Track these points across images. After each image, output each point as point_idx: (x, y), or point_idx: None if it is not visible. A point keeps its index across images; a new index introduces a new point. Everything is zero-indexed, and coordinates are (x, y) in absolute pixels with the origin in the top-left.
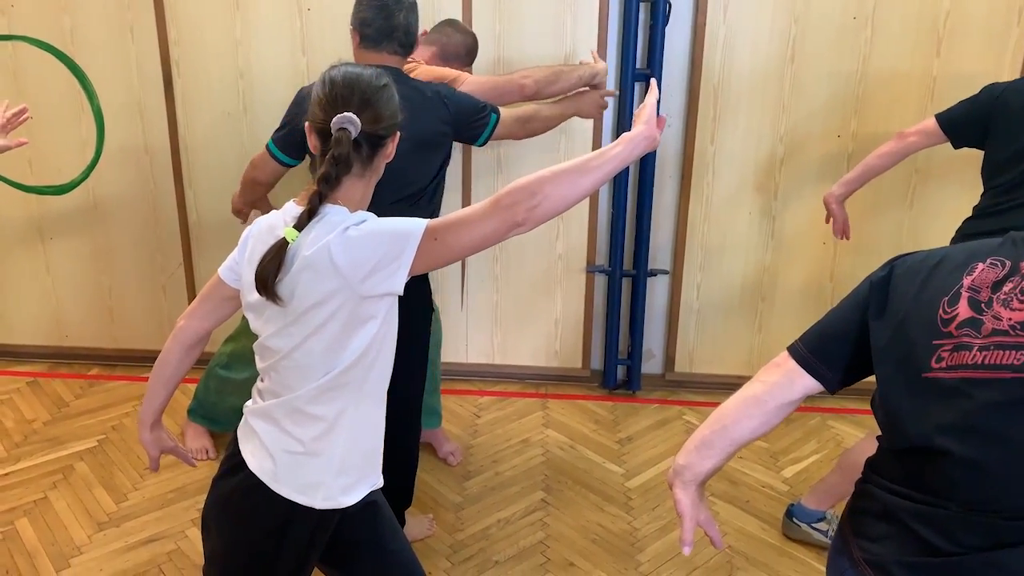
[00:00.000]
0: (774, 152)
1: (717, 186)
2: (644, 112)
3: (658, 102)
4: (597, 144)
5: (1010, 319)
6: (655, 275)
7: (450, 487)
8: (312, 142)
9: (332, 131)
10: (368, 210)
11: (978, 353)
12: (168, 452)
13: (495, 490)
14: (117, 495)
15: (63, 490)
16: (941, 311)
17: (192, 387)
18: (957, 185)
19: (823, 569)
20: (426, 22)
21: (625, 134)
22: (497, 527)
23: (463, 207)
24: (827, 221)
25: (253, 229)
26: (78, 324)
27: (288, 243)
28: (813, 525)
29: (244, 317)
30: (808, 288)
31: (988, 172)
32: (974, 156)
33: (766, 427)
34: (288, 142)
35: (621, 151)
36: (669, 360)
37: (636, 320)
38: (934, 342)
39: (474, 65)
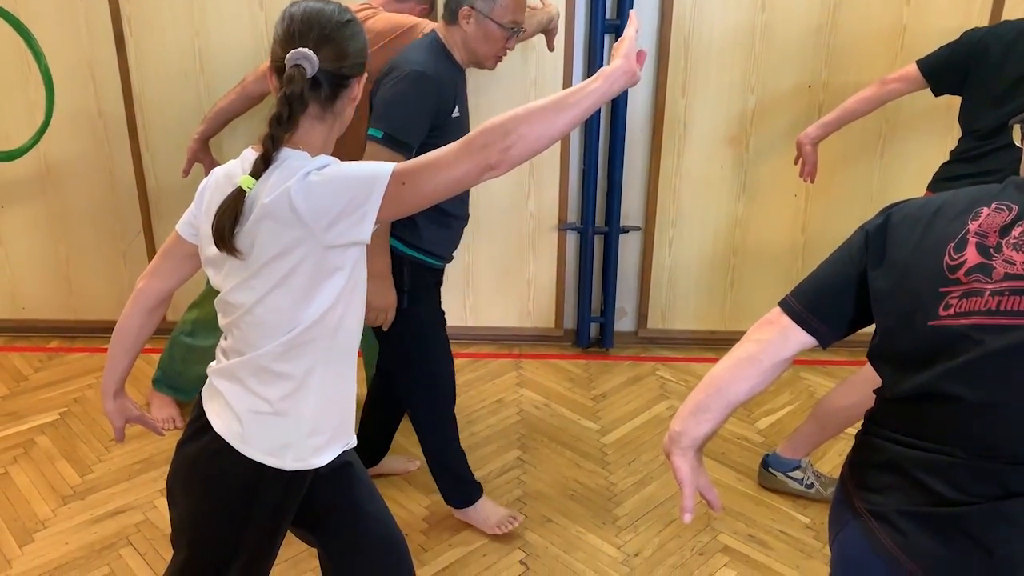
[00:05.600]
0: (746, 104)
1: (689, 140)
2: (623, 45)
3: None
4: None
5: None
6: (627, 232)
7: None
8: (272, 83)
9: (286, 68)
10: None
11: (991, 298)
12: (134, 421)
13: (471, 450)
14: (81, 468)
15: (24, 464)
16: (947, 258)
17: (156, 357)
18: (928, 134)
19: (798, 516)
20: None
21: (603, 68)
22: None
23: None
24: (796, 162)
25: (210, 180)
26: (35, 296)
27: (245, 192)
28: (788, 474)
29: (208, 283)
30: (780, 241)
31: (967, 117)
32: (942, 106)
33: (762, 386)
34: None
35: (599, 86)
36: (642, 317)
37: (608, 278)
38: (941, 289)
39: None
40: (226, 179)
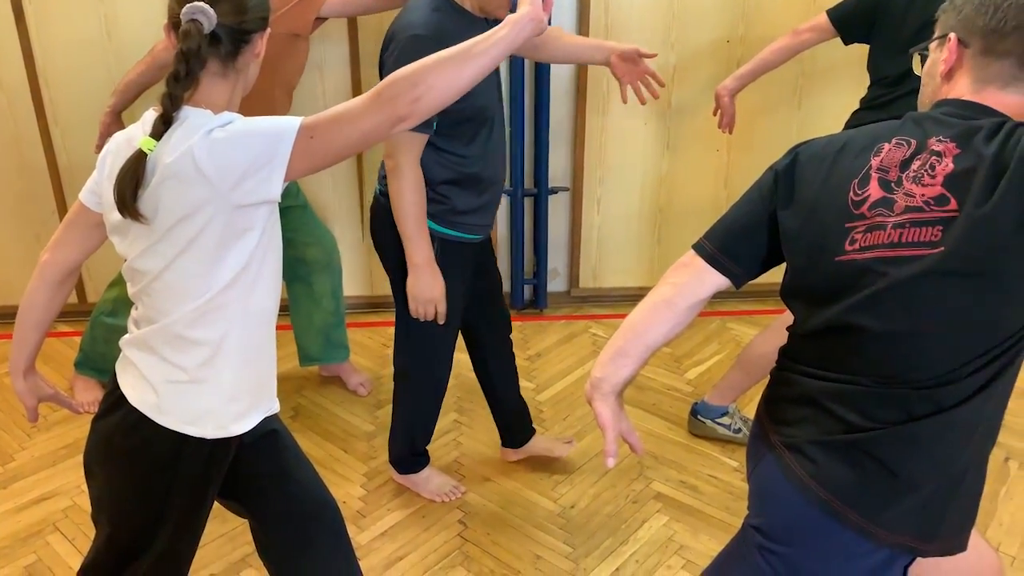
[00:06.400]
0: (666, 61)
1: (612, 98)
2: None
3: None
4: None
5: (923, 195)
6: (556, 192)
7: (362, 417)
8: (171, 41)
9: (182, 23)
10: None
11: (892, 231)
12: (47, 400)
13: None
14: (2, 457)
15: None
16: (851, 194)
17: (77, 339)
18: (843, 83)
19: (727, 461)
20: None
21: (510, 16)
22: None
23: None
24: (715, 113)
25: (111, 146)
26: None
27: (146, 154)
28: (717, 420)
29: None
30: (704, 195)
31: (875, 65)
32: (855, 57)
33: (678, 328)
34: None
35: (507, 34)
36: (574, 277)
37: (540, 239)
38: (846, 225)
39: None
40: (127, 143)
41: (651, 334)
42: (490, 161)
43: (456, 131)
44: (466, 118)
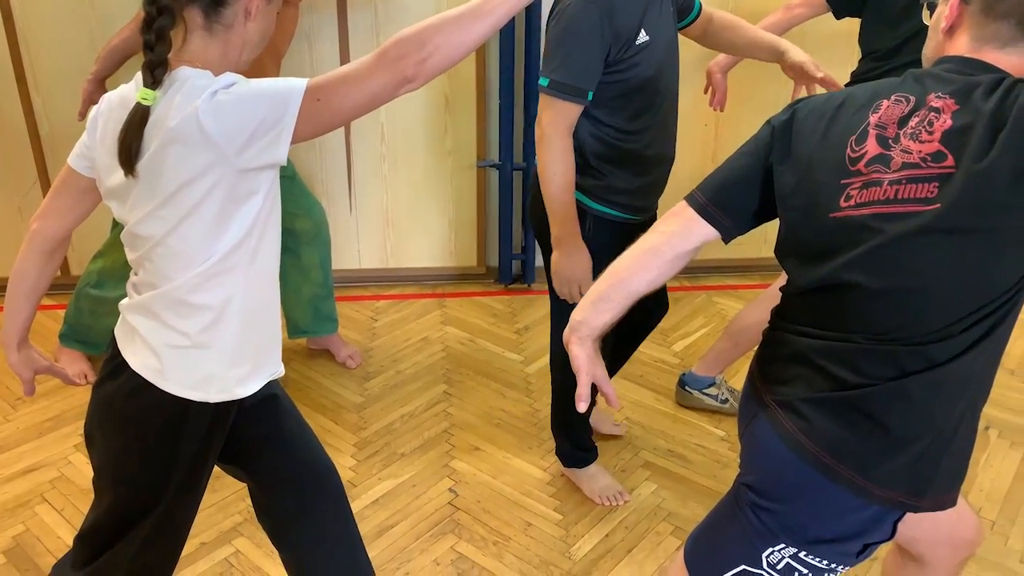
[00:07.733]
0: None
1: None
2: None
3: None
4: None
5: (920, 151)
6: None
7: (351, 389)
8: None
9: None
10: None
11: (889, 187)
12: (42, 372)
13: (397, 387)
14: None
15: None
16: (849, 150)
17: (61, 312)
18: (832, 58)
19: (714, 431)
20: None
21: None
22: (401, 422)
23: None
24: (706, 91)
25: (102, 106)
26: None
27: (147, 107)
28: (704, 391)
29: (112, 230)
30: (691, 171)
31: (866, 38)
32: (845, 31)
33: (663, 278)
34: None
35: None
36: None
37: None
38: (842, 181)
39: None
40: (120, 103)
41: (635, 281)
42: (656, 138)
43: (618, 104)
44: (631, 89)
